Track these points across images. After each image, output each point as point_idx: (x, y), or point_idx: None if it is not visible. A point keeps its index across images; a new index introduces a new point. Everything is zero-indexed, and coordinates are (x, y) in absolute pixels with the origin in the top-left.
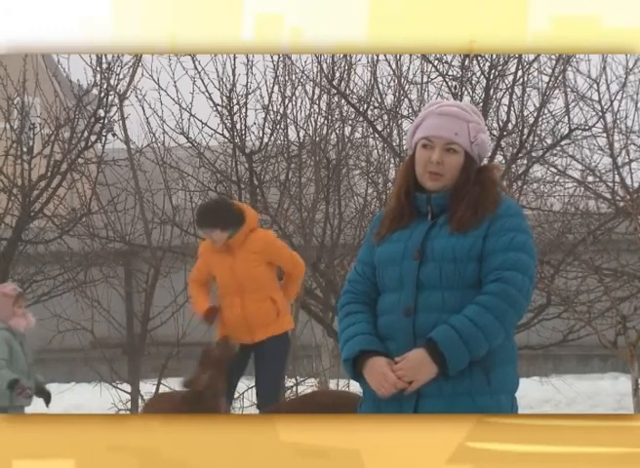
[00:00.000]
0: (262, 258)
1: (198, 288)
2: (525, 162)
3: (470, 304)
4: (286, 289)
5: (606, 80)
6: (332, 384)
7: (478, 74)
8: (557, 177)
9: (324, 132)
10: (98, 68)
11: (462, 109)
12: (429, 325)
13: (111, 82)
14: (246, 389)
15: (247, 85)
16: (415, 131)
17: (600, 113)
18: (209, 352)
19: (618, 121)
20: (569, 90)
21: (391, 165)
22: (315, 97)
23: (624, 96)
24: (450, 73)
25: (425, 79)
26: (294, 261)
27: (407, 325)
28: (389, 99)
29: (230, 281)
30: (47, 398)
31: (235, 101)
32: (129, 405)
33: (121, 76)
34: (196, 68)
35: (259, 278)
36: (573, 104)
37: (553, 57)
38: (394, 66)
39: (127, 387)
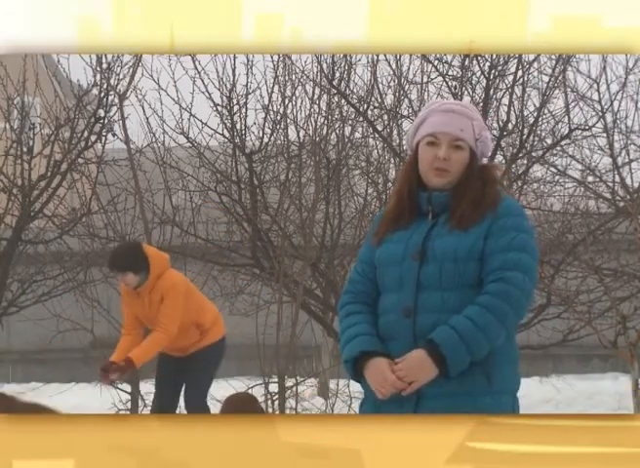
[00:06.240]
0: None
1: (124, 338)
2: (525, 162)
3: (471, 305)
4: (142, 345)
5: (606, 80)
6: (332, 384)
7: (478, 74)
8: (557, 177)
9: (324, 132)
10: (98, 68)
11: (466, 107)
12: (429, 325)
13: (111, 82)
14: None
15: (247, 85)
16: (416, 130)
17: (600, 113)
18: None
19: (618, 121)
20: (569, 90)
21: (391, 165)
22: (315, 97)
23: (624, 96)
24: (450, 73)
25: (425, 79)
26: (165, 324)
27: (407, 325)
28: (389, 99)
29: (150, 322)
30: None
31: (235, 101)
32: (129, 405)
33: (121, 76)
34: (196, 68)
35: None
36: (573, 104)
37: (553, 57)
38: (394, 66)
39: (127, 387)
